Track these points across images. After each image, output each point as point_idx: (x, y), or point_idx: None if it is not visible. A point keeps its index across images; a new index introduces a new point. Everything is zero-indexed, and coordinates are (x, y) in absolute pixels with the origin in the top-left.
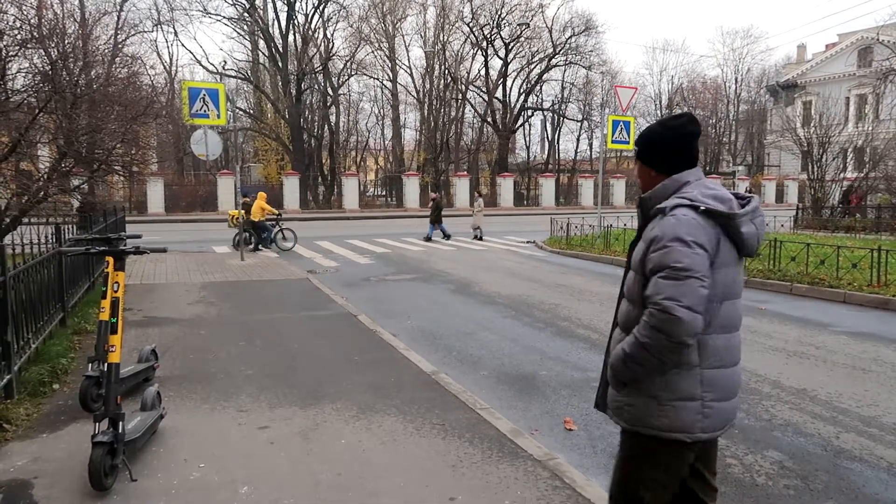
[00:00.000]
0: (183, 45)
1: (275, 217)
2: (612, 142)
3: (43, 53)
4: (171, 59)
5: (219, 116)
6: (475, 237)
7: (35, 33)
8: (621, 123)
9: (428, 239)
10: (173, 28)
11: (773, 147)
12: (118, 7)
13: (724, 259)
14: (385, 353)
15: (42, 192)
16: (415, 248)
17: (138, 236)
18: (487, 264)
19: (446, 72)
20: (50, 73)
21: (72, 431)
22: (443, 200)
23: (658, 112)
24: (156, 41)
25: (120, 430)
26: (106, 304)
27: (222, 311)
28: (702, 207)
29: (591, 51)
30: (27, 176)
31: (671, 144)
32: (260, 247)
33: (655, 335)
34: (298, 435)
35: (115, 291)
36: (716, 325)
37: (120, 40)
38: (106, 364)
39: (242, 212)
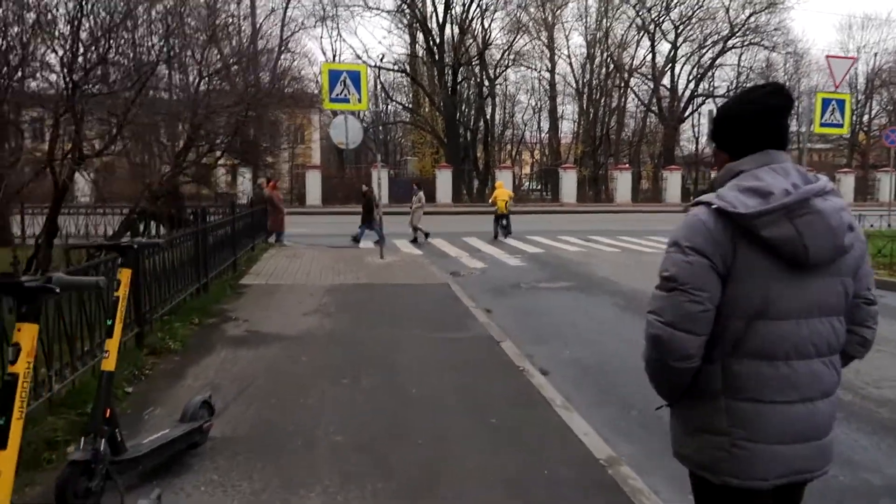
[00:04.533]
0: (344, 40)
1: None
2: (821, 125)
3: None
4: (333, 55)
5: (360, 100)
6: (413, 239)
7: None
8: (833, 102)
9: (356, 240)
10: (336, 24)
11: None
12: (284, 4)
13: (745, 269)
14: (535, 413)
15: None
16: (571, 248)
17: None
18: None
19: (608, 59)
20: (222, 70)
21: None
22: (375, 195)
23: (854, 99)
24: (320, 38)
25: (102, 449)
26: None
27: (338, 327)
28: (714, 205)
29: (776, 29)
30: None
31: (741, 122)
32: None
33: (646, 350)
34: None
35: (116, 290)
36: (745, 349)
37: (285, 37)
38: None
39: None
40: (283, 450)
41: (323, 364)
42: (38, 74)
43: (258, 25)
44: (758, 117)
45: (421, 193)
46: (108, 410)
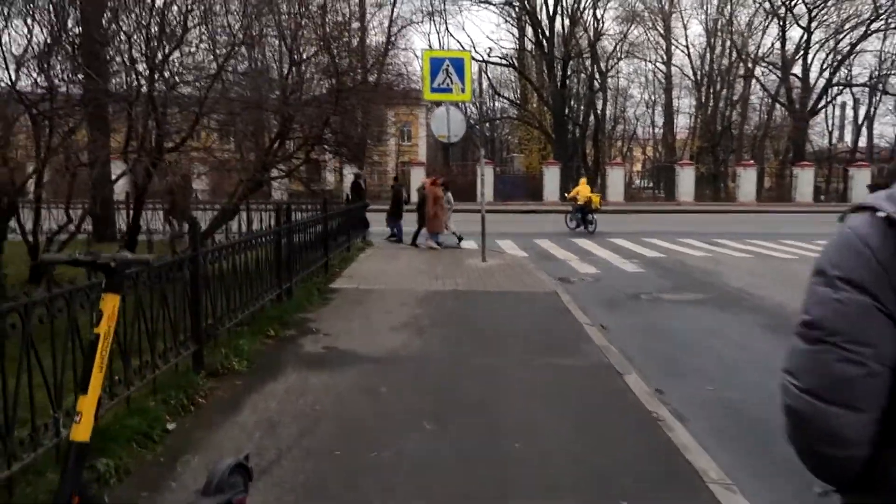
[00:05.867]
0: (452, 35)
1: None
2: None
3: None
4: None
5: (463, 90)
6: (437, 242)
7: (321, 39)
8: None
9: (394, 237)
10: (444, 19)
11: None
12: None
13: None
14: (682, 494)
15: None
16: (695, 252)
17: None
18: (805, 282)
19: (731, 48)
20: (330, 69)
21: None
22: (403, 189)
23: None
24: (428, 34)
25: None
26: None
27: (428, 347)
28: (881, 213)
29: None
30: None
31: None
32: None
33: (786, 424)
34: None
35: (97, 325)
36: None
37: (393, 33)
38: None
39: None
40: None
41: (403, 400)
42: (116, 65)
43: (366, 23)
44: None
45: (449, 194)
46: (77, 498)
